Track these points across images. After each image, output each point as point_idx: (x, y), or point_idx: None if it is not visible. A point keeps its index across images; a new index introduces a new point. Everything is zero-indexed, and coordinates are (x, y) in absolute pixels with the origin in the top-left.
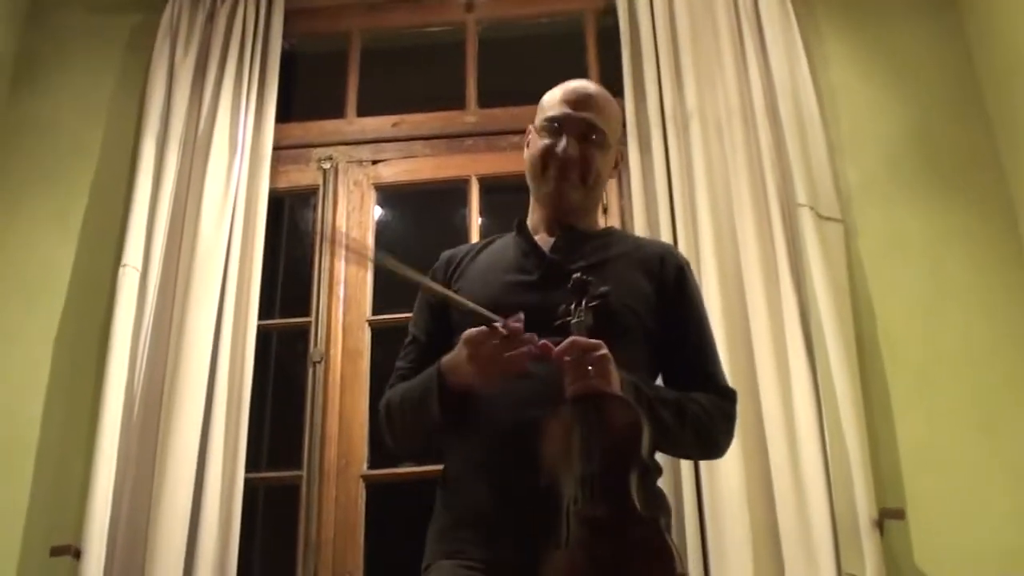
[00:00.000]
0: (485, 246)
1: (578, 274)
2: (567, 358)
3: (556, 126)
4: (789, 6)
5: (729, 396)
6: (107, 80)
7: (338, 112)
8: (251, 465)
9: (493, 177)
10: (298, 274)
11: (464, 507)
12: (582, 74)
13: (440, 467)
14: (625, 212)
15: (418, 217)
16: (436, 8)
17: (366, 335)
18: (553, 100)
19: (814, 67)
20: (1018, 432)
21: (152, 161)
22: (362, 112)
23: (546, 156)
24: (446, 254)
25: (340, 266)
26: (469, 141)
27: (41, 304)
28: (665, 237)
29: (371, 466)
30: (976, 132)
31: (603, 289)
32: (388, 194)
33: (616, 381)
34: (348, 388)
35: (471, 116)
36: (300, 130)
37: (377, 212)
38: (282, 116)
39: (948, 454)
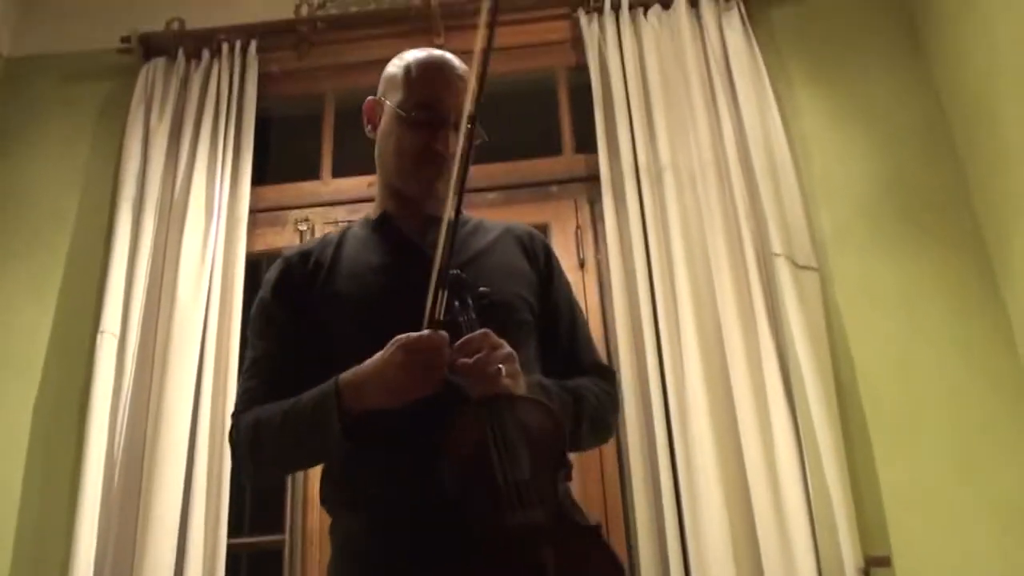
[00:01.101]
0: (339, 243)
1: (455, 271)
2: (471, 358)
3: (426, 114)
4: (759, 56)
5: (610, 377)
6: (83, 147)
7: (313, 174)
8: (233, 530)
9: None
10: None
11: (364, 521)
12: (556, 129)
13: None
14: (601, 264)
15: None
16: None
17: None
18: (418, 76)
19: (785, 117)
20: (1000, 473)
21: (128, 227)
22: (337, 173)
23: (422, 155)
24: (292, 254)
25: None
26: None
27: (20, 371)
28: (642, 289)
29: None
30: (947, 178)
31: (483, 289)
32: None
33: (523, 381)
34: None
35: None
36: (276, 193)
37: None
38: (258, 179)
39: (932, 498)
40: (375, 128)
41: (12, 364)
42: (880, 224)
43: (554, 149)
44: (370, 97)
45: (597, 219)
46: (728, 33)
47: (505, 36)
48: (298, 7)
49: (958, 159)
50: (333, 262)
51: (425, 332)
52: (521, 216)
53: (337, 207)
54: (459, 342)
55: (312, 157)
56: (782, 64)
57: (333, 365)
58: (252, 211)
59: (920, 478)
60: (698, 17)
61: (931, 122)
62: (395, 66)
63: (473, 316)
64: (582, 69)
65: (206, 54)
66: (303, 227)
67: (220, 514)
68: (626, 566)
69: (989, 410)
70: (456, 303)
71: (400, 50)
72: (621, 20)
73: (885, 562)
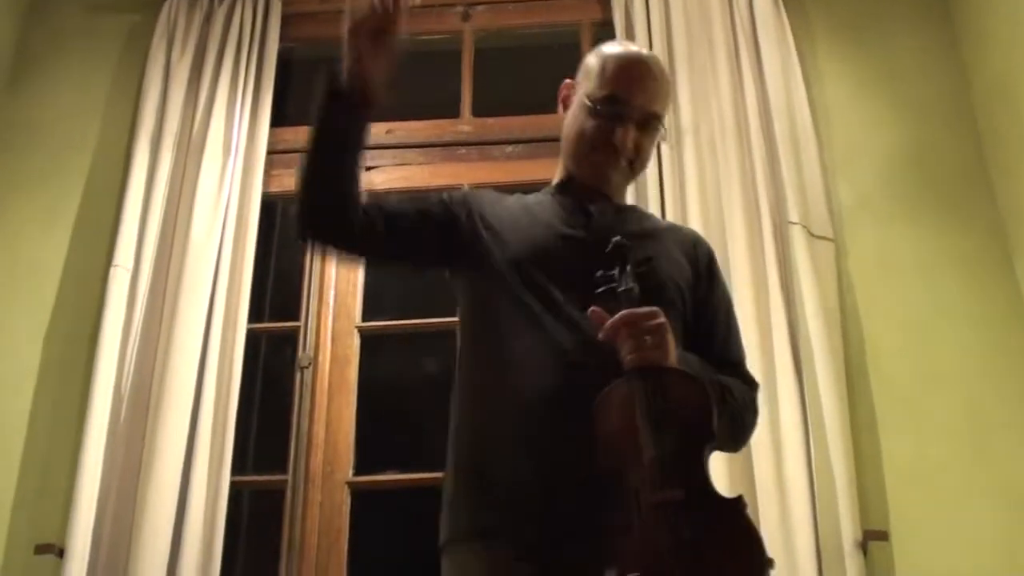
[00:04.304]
0: (518, 197)
1: (617, 238)
2: (623, 329)
3: (613, 108)
4: (786, 22)
5: (755, 387)
6: (103, 79)
7: None
8: (237, 468)
9: (486, 187)
10: (288, 279)
11: (496, 477)
12: None
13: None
14: None
15: None
16: (433, 17)
17: (355, 341)
18: (609, 72)
19: (809, 84)
20: (1006, 453)
21: (146, 161)
22: None
23: (598, 143)
24: (464, 190)
25: (331, 272)
26: (462, 150)
27: (31, 302)
28: None
29: (356, 472)
30: (968, 151)
31: (647, 255)
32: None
33: (674, 354)
34: (335, 394)
35: (465, 125)
36: (294, 134)
37: None
38: (277, 120)
39: (934, 475)
40: (565, 109)
41: (25, 292)
42: (898, 196)
43: None
44: (567, 79)
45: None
46: None
47: None
48: None
49: (979, 132)
50: (502, 203)
51: None
52: (541, 170)
53: None
54: (621, 313)
55: None
56: (808, 28)
57: (471, 279)
58: (270, 152)
59: (924, 454)
60: None
61: (955, 94)
62: (594, 56)
63: (630, 285)
64: (607, 25)
65: None
66: None
67: (224, 452)
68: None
69: (998, 387)
70: (617, 270)
71: None
72: None
73: (883, 537)
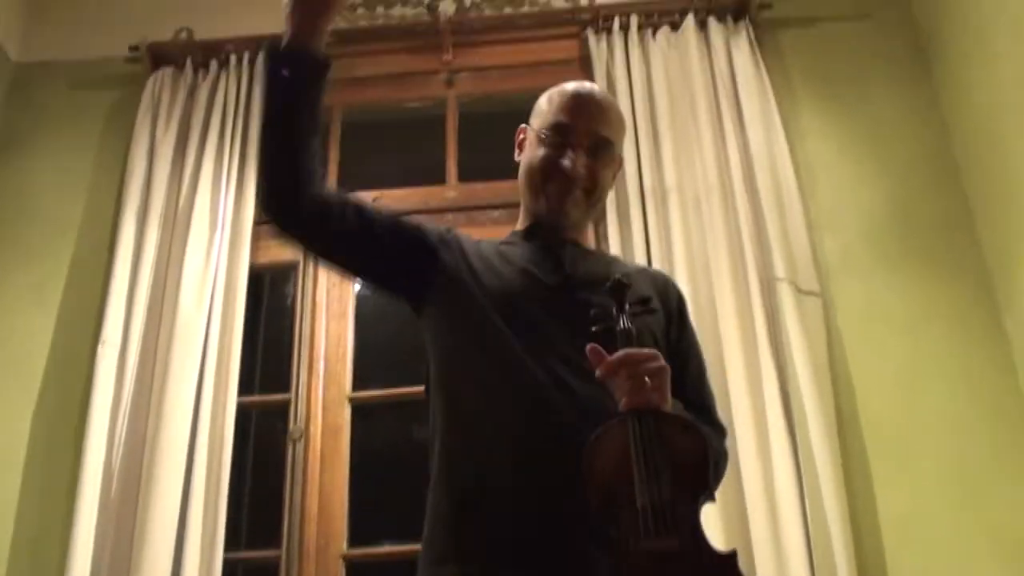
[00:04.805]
0: (485, 243)
1: (618, 276)
2: (623, 369)
3: (560, 136)
4: (766, 80)
5: (723, 433)
6: (88, 155)
7: None
8: (230, 544)
9: None
10: (278, 351)
11: (477, 525)
12: None
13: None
14: None
15: None
16: (417, 84)
17: (346, 412)
18: (555, 104)
19: (791, 141)
20: (1000, 505)
21: (132, 236)
22: (342, 187)
23: (548, 169)
24: (448, 227)
25: (320, 342)
26: (449, 216)
27: (19, 379)
28: None
29: (351, 545)
30: (952, 206)
31: (644, 295)
32: None
33: (669, 398)
34: (328, 465)
35: (451, 191)
36: None
37: (357, 288)
38: None
39: (930, 529)
40: (522, 153)
41: (13, 370)
42: (884, 251)
43: None
44: (522, 125)
45: (601, 239)
46: (736, 56)
47: (513, 54)
48: None
49: (963, 187)
50: (473, 243)
51: None
52: None
53: None
54: (622, 352)
55: None
56: (789, 88)
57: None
58: (256, 223)
59: (920, 508)
60: (707, 39)
61: (937, 149)
62: (543, 96)
63: (627, 325)
64: None
65: (214, 65)
66: None
67: (217, 527)
68: None
69: (991, 440)
70: (614, 307)
71: (408, 66)
72: (630, 40)
73: None
